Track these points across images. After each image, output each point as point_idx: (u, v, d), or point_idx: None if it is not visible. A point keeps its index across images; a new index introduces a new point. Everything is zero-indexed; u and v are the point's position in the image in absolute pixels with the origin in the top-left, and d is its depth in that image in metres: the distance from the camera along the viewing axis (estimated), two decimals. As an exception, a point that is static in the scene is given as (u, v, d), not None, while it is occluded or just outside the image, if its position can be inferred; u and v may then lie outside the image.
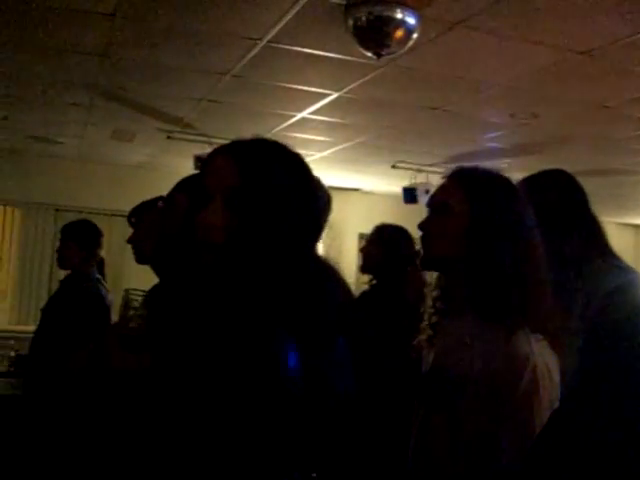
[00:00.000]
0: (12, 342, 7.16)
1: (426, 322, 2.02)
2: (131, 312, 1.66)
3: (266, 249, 1.40)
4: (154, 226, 2.70)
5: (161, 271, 2.65)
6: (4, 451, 5.36)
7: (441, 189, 1.98)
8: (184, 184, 2.42)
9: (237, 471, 1.29)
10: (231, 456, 1.29)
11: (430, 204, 1.98)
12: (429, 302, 2.03)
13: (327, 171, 8.19)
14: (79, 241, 4.54)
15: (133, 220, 3.10)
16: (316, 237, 1.52)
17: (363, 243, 4.26)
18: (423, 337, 2.02)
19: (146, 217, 3.01)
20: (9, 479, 4.94)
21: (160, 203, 2.73)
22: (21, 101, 6.11)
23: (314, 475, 1.31)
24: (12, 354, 6.93)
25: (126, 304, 1.68)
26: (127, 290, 1.71)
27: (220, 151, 1.51)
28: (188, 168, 6.73)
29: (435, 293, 2.01)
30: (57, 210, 8.94)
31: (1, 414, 6.67)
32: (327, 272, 1.51)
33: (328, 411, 1.37)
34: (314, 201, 1.51)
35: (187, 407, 1.35)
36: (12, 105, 6.25)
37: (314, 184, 1.54)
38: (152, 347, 1.55)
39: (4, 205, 9.08)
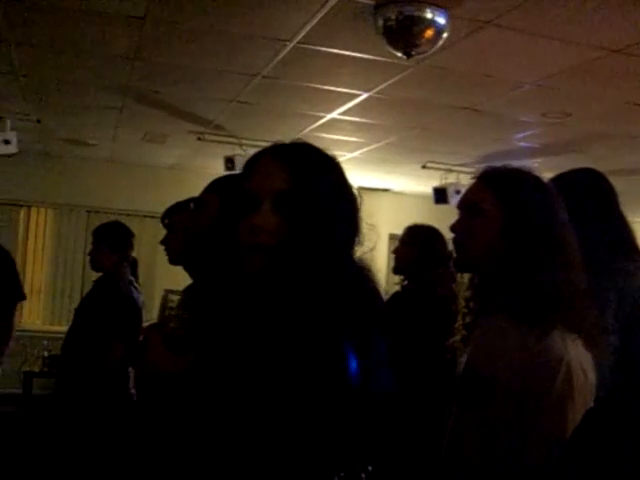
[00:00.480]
0: (45, 342, 7.26)
1: (460, 322, 2.01)
2: (171, 312, 1.67)
3: (316, 252, 1.41)
4: (186, 227, 2.72)
5: (194, 272, 2.67)
6: (38, 449, 5.43)
7: (471, 190, 1.97)
8: (215, 185, 2.43)
9: (288, 471, 1.31)
10: (285, 455, 1.31)
11: (461, 206, 1.97)
12: (462, 302, 2.02)
13: (357, 172, 8.19)
14: (110, 244, 4.57)
15: (166, 221, 3.12)
16: (356, 239, 1.52)
17: (394, 244, 4.24)
18: (457, 337, 2.01)
19: (178, 218, 3.03)
20: (43, 477, 5.00)
21: (192, 205, 2.75)
22: (54, 104, 6.19)
23: (363, 475, 1.32)
24: (45, 354, 7.02)
25: (164, 305, 1.70)
26: (167, 291, 1.72)
27: (265, 154, 1.52)
28: (219, 169, 6.77)
29: (468, 293, 2.00)
30: (89, 212, 9.04)
31: (36, 413, 6.76)
32: (365, 273, 1.52)
33: (377, 411, 1.38)
34: (354, 203, 1.52)
35: (242, 407, 1.36)
36: (45, 109, 6.33)
37: (350, 186, 1.55)
38: (196, 348, 1.56)
39: (37, 207, 9.19)
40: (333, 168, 1.52)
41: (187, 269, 2.72)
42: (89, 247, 4.75)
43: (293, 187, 1.42)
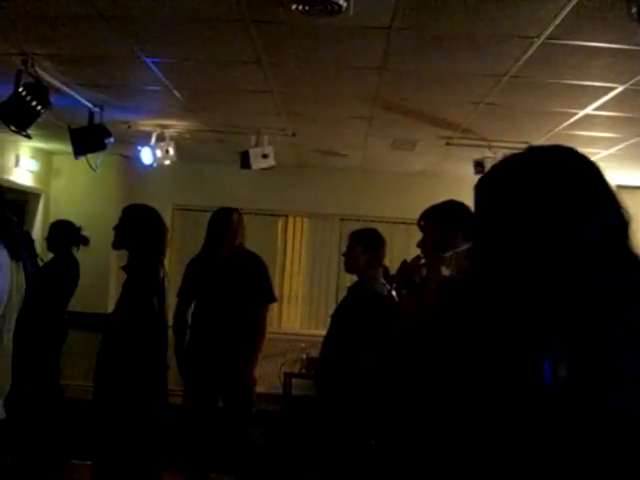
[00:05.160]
0: (303, 345, 7.59)
1: None
2: (447, 263, 1.72)
3: (498, 252, 1.46)
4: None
5: None
6: (299, 445, 5.67)
7: None
8: None
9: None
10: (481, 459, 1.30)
11: None
12: None
13: (615, 169, 7.76)
14: (365, 244, 4.72)
15: (422, 224, 3.15)
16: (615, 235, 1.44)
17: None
18: None
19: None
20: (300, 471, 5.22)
21: None
22: (307, 118, 6.47)
23: None
24: (303, 356, 7.35)
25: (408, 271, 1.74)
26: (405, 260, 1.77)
27: None
28: (468, 173, 6.72)
29: None
30: (342, 219, 9.34)
31: (296, 413, 7.09)
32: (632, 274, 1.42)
33: (589, 426, 1.28)
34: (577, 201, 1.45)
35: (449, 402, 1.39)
36: (299, 123, 6.63)
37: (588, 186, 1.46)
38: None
39: (294, 216, 9.64)
40: (545, 173, 1.47)
41: None
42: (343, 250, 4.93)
43: (477, 204, 1.57)
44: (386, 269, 4.91)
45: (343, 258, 4.90)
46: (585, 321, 1.30)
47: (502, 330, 1.34)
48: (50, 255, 6.83)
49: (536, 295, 1.35)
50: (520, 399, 1.28)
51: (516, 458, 1.29)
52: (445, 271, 1.61)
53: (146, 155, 6.92)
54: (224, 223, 5.45)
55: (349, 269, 4.90)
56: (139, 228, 4.70)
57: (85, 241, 6.93)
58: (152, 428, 4.70)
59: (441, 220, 3.10)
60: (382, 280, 4.73)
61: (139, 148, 6.98)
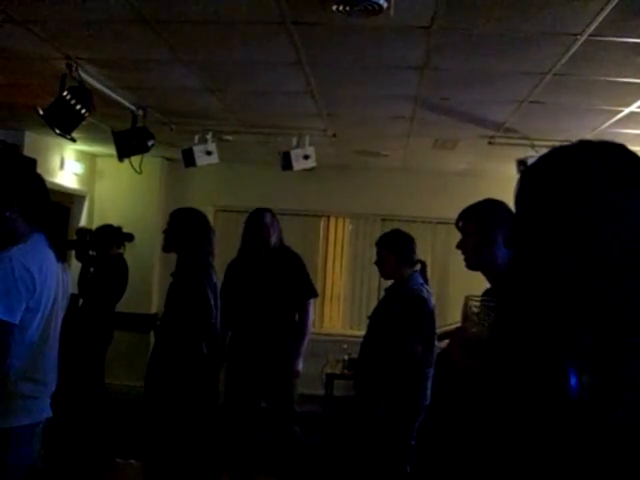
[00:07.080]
0: (345, 346, 7.58)
1: None
2: (474, 317, 1.69)
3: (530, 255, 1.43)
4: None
5: (490, 276, 2.64)
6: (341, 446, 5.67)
7: None
8: None
9: None
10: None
11: None
12: None
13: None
14: (389, 247, 4.72)
15: (460, 224, 3.10)
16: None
17: None
18: None
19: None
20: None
21: None
22: (348, 119, 6.46)
23: None
24: (345, 357, 7.34)
25: (466, 310, 1.72)
26: (467, 297, 1.74)
27: None
28: (510, 172, 6.65)
29: None
30: (383, 220, 9.31)
31: (338, 414, 7.09)
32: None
33: (612, 442, 1.24)
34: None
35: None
36: (340, 123, 6.63)
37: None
38: (492, 352, 1.56)
39: (335, 216, 9.64)
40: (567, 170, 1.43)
41: (484, 273, 2.70)
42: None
43: (521, 184, 1.50)
44: (423, 264, 4.90)
45: (376, 266, 4.90)
46: (613, 333, 1.26)
47: (531, 337, 1.32)
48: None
49: (564, 302, 1.32)
50: (547, 409, 1.26)
51: (541, 468, 1.28)
52: None
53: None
54: (257, 223, 5.47)
55: (384, 275, 4.93)
56: (188, 231, 4.75)
57: (130, 237, 7.05)
58: (207, 429, 4.73)
59: (480, 220, 3.03)
60: (420, 280, 4.72)
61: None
